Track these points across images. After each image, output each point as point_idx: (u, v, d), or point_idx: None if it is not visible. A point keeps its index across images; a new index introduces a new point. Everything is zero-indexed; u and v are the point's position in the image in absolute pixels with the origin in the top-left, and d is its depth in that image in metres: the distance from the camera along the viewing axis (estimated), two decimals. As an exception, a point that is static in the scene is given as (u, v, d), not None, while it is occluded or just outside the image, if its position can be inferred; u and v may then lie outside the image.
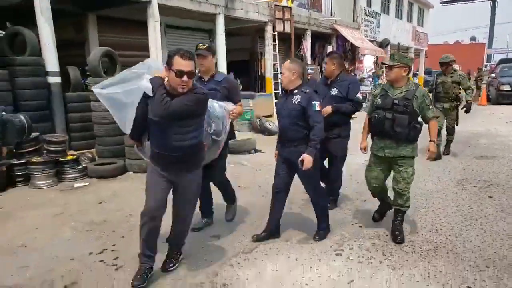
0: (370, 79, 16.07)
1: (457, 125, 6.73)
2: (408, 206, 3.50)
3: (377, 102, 3.45)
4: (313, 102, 3.16)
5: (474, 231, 3.64)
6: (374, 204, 4.03)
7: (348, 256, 3.21)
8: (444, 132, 6.67)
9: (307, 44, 13.76)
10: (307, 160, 3.08)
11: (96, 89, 2.74)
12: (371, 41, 18.45)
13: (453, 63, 6.45)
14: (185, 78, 2.49)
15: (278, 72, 12.34)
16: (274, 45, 12.12)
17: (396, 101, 3.31)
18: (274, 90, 11.82)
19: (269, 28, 11.73)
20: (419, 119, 3.41)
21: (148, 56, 9.12)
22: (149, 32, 8.33)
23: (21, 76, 6.03)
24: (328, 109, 3.86)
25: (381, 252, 3.27)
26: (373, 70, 16.57)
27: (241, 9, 10.49)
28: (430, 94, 6.59)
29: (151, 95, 2.56)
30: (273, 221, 3.50)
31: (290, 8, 12.07)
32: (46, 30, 6.26)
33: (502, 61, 20.64)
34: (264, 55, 14.63)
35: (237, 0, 10.30)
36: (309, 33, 14.01)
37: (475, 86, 17.77)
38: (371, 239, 3.51)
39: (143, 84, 2.58)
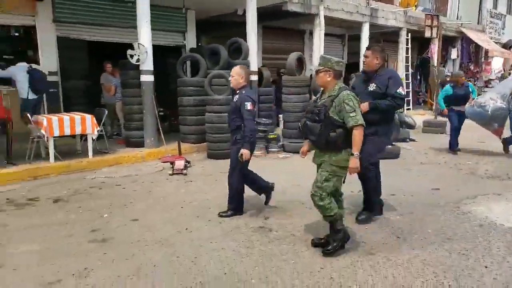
0: (497, 81, 15.95)
1: None
2: (328, 215, 3.09)
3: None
4: (245, 103, 3.71)
5: None
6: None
7: None
8: None
9: (434, 47, 14.36)
10: (245, 153, 3.70)
11: None
12: (495, 43, 18.09)
13: None
14: None
15: (409, 72, 13.31)
16: (407, 48, 13.10)
17: (311, 108, 3.12)
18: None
19: (403, 33, 12.76)
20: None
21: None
22: (314, 39, 10.06)
23: (237, 74, 8.13)
24: (365, 106, 3.58)
25: None
26: (502, 72, 16.40)
27: (382, 17, 11.73)
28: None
29: None
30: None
31: (438, 16, 12.93)
32: (253, 40, 8.32)
33: None
34: (388, 57, 15.71)
35: (379, 9, 11.56)
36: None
37: None
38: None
39: None
